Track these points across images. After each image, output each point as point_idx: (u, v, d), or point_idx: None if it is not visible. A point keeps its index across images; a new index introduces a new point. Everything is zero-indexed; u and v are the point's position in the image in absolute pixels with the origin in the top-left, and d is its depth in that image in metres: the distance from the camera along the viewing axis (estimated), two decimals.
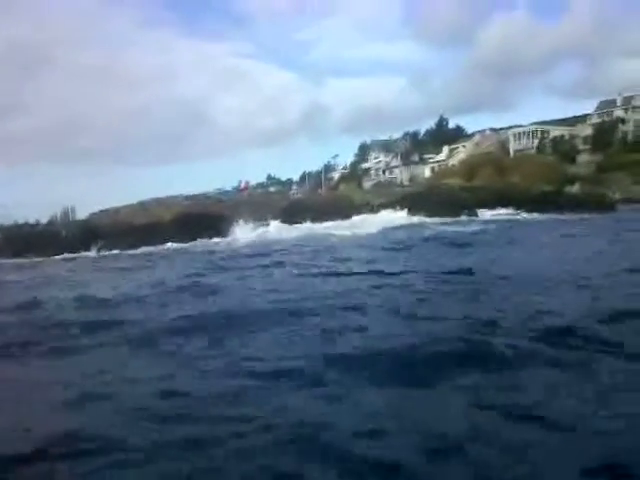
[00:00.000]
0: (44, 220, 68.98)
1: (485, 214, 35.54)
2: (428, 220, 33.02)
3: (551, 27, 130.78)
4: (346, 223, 35.31)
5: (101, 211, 47.98)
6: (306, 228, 34.57)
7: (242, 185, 58.59)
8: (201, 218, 41.07)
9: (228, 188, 57.59)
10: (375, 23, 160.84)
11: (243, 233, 35.46)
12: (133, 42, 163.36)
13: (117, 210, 46.68)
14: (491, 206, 36.87)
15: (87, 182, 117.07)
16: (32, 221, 71.13)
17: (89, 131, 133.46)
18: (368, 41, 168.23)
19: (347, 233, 26.04)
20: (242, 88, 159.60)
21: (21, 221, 71.58)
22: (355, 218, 37.34)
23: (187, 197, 47.75)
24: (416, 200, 38.93)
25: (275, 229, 35.35)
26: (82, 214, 56.76)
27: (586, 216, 31.50)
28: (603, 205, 35.10)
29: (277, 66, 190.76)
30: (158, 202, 46.64)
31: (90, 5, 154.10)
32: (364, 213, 40.08)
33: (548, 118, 71.55)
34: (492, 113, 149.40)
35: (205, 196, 50.43)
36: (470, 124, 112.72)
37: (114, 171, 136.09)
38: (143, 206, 47.32)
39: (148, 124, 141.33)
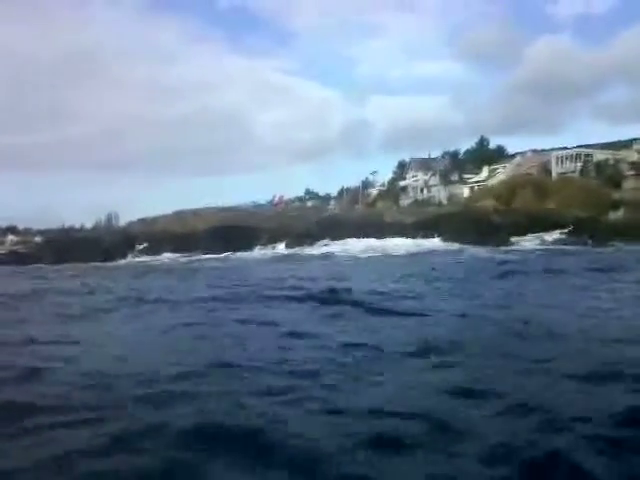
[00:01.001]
0: (89, 225, 72.02)
1: (517, 241, 34.61)
2: (456, 246, 32.51)
3: (598, 50, 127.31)
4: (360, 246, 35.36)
5: (139, 220, 49.53)
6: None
7: (276, 199, 59.25)
8: (231, 230, 41.82)
9: (262, 202, 58.36)
10: (418, 43, 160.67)
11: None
12: (179, 56, 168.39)
13: (154, 219, 48.06)
14: (524, 232, 35.87)
15: (127, 190, 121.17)
16: (77, 225, 74.42)
17: (130, 142, 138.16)
18: (411, 60, 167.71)
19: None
20: (284, 103, 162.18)
21: (67, 225, 74.96)
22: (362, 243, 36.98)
23: (221, 209, 48.60)
24: (447, 222, 38.40)
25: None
26: (123, 221, 58.75)
27: (618, 246, 30.28)
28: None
29: (319, 83, 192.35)
30: (193, 213, 47.70)
31: (139, 20, 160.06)
32: (394, 234, 39.66)
33: (593, 142, 69.43)
34: (535, 135, 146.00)
35: (239, 209, 51.21)
36: (512, 145, 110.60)
37: (154, 181, 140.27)
38: (179, 216, 48.54)
39: (190, 136, 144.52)
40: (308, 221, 47.38)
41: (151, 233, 45.11)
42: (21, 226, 70.21)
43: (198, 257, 36.31)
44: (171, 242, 42.12)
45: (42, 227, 65.84)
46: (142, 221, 48.92)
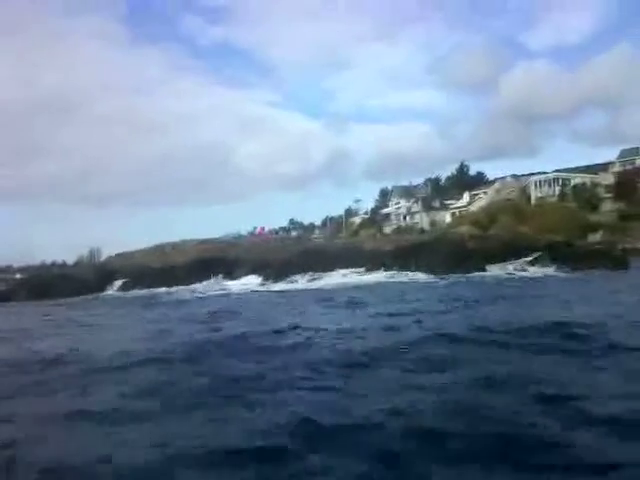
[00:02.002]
0: (71, 261, 71.57)
1: (492, 269, 34.62)
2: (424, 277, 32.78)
3: (573, 76, 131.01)
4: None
5: (117, 254, 49.17)
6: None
7: (258, 230, 59.36)
8: (210, 262, 41.63)
9: (244, 232, 58.46)
10: (399, 72, 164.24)
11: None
12: (160, 89, 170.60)
13: (131, 254, 47.70)
14: (499, 259, 35.85)
15: (110, 225, 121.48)
16: (59, 261, 74.00)
17: (112, 175, 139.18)
18: (392, 89, 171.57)
19: None
20: (266, 134, 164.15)
21: (49, 261, 74.55)
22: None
23: (201, 241, 48.40)
24: (423, 250, 38.40)
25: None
26: (105, 255, 58.39)
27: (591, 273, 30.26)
28: (615, 260, 33.59)
29: (301, 113, 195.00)
30: (172, 246, 47.48)
31: (120, 54, 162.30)
32: (372, 264, 39.70)
33: (571, 165, 70.68)
34: (515, 159, 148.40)
35: (219, 241, 51.08)
36: (492, 170, 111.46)
37: (136, 214, 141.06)
38: (159, 249, 48.24)
39: (172, 169, 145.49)
40: (289, 252, 47.17)
41: (129, 268, 44.77)
42: (2, 263, 69.98)
43: (157, 291, 36.19)
44: (148, 276, 41.85)
45: (23, 264, 65.66)
46: (120, 256, 48.63)
